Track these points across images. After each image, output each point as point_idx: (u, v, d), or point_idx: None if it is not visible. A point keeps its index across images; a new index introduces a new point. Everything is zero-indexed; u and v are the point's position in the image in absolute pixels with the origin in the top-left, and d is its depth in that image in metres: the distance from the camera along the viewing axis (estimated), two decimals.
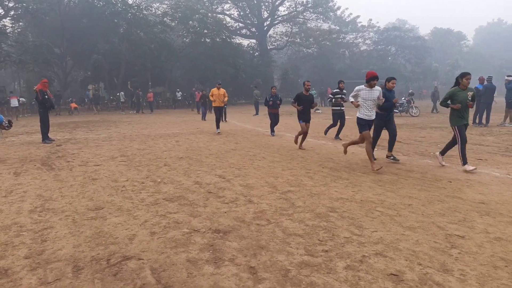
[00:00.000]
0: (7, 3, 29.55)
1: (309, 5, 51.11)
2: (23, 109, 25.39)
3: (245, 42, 53.07)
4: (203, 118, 19.88)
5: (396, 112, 20.48)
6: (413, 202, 4.56)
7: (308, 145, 9.71)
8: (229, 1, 50.45)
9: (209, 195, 5.01)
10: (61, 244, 3.42)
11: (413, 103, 20.68)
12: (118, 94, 32.48)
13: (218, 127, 13.19)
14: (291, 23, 52.66)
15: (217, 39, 39.41)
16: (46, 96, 10.94)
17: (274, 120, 12.16)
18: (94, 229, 3.81)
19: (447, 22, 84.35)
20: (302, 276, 2.78)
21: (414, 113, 19.94)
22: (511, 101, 13.70)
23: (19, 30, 32.32)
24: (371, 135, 6.98)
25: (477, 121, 14.09)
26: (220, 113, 13.48)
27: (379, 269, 2.87)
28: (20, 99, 25.42)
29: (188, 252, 3.23)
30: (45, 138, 10.93)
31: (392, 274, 2.79)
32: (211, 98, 13.22)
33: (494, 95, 14.80)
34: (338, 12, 57.05)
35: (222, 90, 13.32)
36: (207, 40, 39.84)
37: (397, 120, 17.13)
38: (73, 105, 27.25)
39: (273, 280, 2.73)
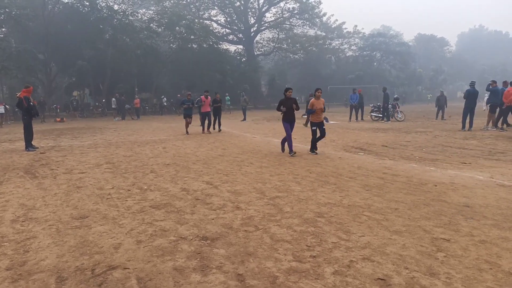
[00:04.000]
0: None
1: (296, 11, 51.64)
2: (6, 116, 24.82)
3: (232, 48, 53.13)
4: (205, 129, 15.40)
5: (380, 117, 20.69)
6: (400, 206, 4.60)
7: (296, 150, 9.73)
8: (216, 7, 50.58)
9: (197, 202, 4.97)
10: (44, 255, 3.34)
11: (398, 107, 20.96)
12: (104, 100, 32.12)
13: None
14: (277, 29, 52.97)
15: (204, 45, 39.42)
16: (31, 103, 10.75)
17: None
18: (78, 238, 3.73)
19: (431, 28, 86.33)
20: (290, 283, 2.77)
21: (400, 117, 20.21)
22: (491, 104, 14.02)
23: (1, 36, 31.61)
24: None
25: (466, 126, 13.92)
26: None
27: (367, 273, 2.89)
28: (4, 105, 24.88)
29: (175, 260, 3.19)
30: (29, 145, 10.70)
31: (379, 278, 2.81)
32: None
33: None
34: (324, 19, 57.67)
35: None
36: (194, 46, 39.78)
37: (383, 125, 17.41)
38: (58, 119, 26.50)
39: (261, 287, 2.71)
